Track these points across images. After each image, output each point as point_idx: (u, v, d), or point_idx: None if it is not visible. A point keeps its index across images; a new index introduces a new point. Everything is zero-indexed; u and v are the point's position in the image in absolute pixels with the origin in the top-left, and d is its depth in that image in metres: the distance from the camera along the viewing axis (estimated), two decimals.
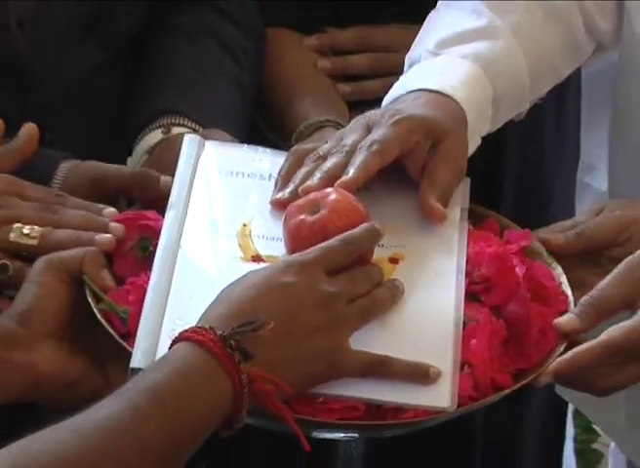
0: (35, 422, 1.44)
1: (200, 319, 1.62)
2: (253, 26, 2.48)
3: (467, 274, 1.86)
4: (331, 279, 1.68)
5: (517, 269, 1.87)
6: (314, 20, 2.68)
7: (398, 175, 1.98)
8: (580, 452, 3.30)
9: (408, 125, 1.94)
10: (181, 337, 1.56)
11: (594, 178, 2.79)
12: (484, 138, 2.19)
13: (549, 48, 2.21)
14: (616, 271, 1.80)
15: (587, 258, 1.98)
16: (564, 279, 1.89)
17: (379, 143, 1.90)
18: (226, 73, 2.43)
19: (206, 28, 2.47)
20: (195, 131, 2.22)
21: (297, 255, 1.72)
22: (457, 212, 1.99)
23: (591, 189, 2.50)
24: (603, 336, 1.71)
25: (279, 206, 1.90)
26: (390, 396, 1.65)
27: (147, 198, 2.02)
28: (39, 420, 1.46)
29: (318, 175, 1.89)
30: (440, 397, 1.63)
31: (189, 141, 2.05)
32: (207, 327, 1.57)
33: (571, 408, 3.08)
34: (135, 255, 1.87)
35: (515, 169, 2.62)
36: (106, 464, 1.46)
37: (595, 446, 3.37)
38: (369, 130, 1.98)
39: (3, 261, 1.86)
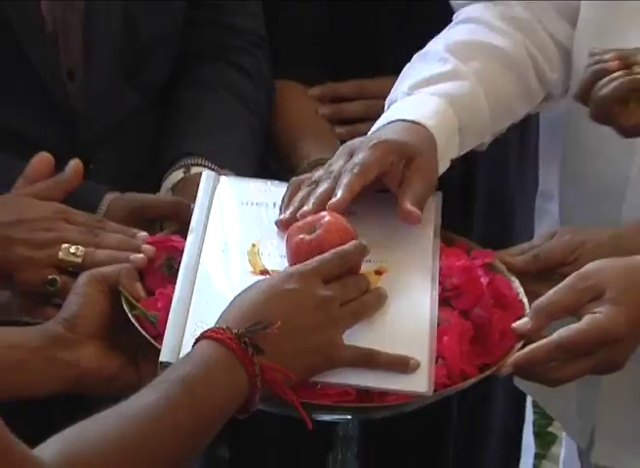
0: (81, 412, 1.46)
1: (218, 320, 1.66)
2: (264, 79, 2.48)
3: (440, 283, 1.89)
4: (326, 286, 1.72)
5: (482, 280, 1.92)
6: (317, 74, 2.64)
7: (380, 202, 2.02)
8: (537, 435, 3.29)
9: (384, 147, 1.97)
10: (204, 336, 1.60)
11: (551, 205, 2.75)
12: (458, 169, 2.26)
13: (505, 91, 2.21)
14: (562, 283, 1.84)
15: (542, 275, 1.99)
16: (521, 290, 1.93)
17: (359, 165, 1.92)
18: (240, 120, 2.43)
19: (223, 81, 2.45)
20: (213, 170, 2.21)
21: (297, 266, 1.75)
22: (430, 229, 2.02)
23: (549, 214, 2.52)
24: (554, 336, 1.75)
25: (282, 226, 1.93)
26: (377, 383, 1.69)
27: (180, 223, 2.03)
28: (85, 410, 1.48)
29: (312, 200, 1.91)
30: (419, 383, 1.67)
31: (207, 177, 2.08)
32: (224, 327, 1.61)
33: (530, 397, 3.09)
34: (162, 272, 1.91)
35: (484, 195, 2.64)
36: (146, 445, 1.50)
37: (551, 429, 3.38)
38: (352, 155, 2.00)
39: (53, 276, 1.89)
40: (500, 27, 2.25)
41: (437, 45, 2.27)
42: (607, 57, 1.94)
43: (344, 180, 1.91)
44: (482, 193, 2.65)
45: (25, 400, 1.59)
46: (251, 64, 2.49)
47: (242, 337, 1.60)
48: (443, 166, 2.09)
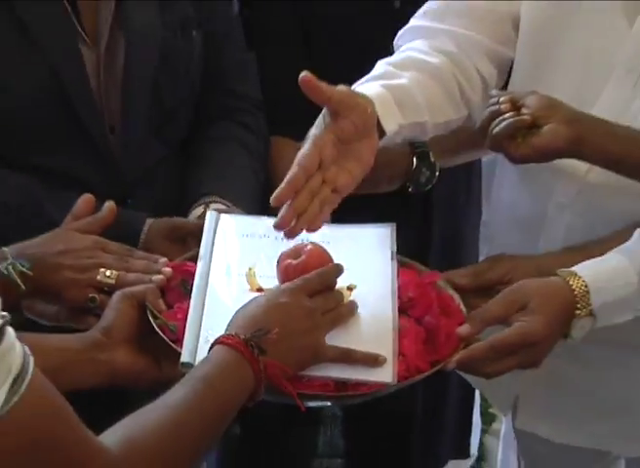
0: (121, 407, 1.52)
1: (227, 329, 1.73)
2: (262, 133, 2.50)
3: (398, 297, 1.93)
4: (311, 299, 1.79)
5: (431, 294, 1.97)
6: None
7: (350, 235, 2.05)
8: (482, 414, 3.37)
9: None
10: (218, 342, 1.67)
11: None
12: (417, 212, 2.41)
13: (434, 92, 2.13)
14: (496, 297, 1.91)
15: (481, 291, 2.01)
16: (461, 302, 1.96)
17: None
18: (246, 166, 2.45)
19: (232, 136, 2.47)
20: (227, 206, 2.25)
21: (287, 284, 1.82)
22: (388, 254, 2.03)
23: (489, 240, 2.56)
24: (489, 339, 1.83)
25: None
26: (353, 375, 1.74)
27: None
28: (124, 404, 1.54)
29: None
30: (386, 375, 1.72)
31: (210, 216, 2.09)
32: (233, 333, 1.68)
33: None
34: (179, 289, 1.95)
35: (440, 224, 2.64)
36: (182, 431, 1.56)
37: (491, 410, 3.41)
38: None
39: (92, 295, 1.93)
40: (433, 53, 2.18)
41: (379, 63, 2.18)
42: (502, 99, 1.97)
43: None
44: (439, 224, 2.66)
45: (71, 393, 1.50)
46: (253, 122, 2.50)
47: (248, 342, 1.66)
48: (389, 124, 1.99)
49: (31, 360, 1.36)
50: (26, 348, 1.37)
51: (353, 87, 2.05)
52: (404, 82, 2.07)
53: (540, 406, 2.43)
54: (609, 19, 2.14)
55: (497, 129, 1.93)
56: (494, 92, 2.05)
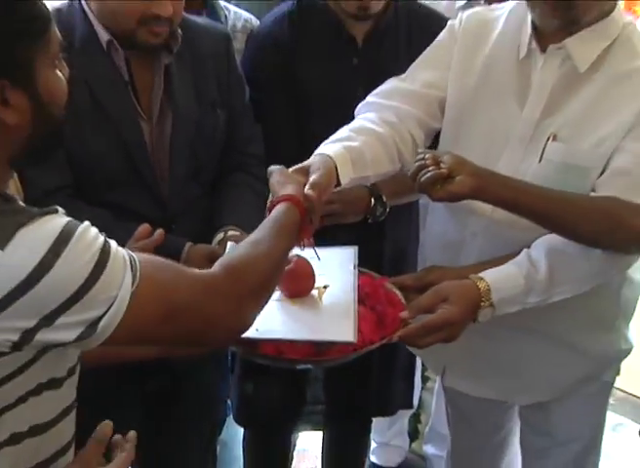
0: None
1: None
2: (264, 180, 2.21)
3: (358, 292, 1.97)
4: None
5: (380, 291, 2.04)
6: None
7: (327, 252, 2.03)
8: (422, 375, 3.38)
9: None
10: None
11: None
12: (375, 235, 2.38)
13: (378, 152, 2.10)
14: (426, 293, 1.98)
15: (420, 290, 2.03)
16: (402, 297, 2.01)
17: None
18: (253, 204, 2.37)
19: (245, 183, 2.45)
20: (240, 233, 2.22)
21: None
22: (352, 265, 2.06)
23: (424, 256, 2.53)
24: (421, 321, 1.92)
25: None
26: (326, 337, 1.80)
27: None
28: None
29: None
30: (350, 336, 1.77)
31: (229, 246, 2.05)
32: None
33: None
34: None
35: (390, 245, 2.61)
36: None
37: (427, 373, 3.41)
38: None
39: None
40: (380, 124, 2.16)
41: (343, 128, 2.17)
42: (426, 156, 1.95)
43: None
44: (388, 247, 2.63)
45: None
46: (258, 172, 2.40)
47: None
48: (344, 179, 2.02)
49: (132, 252, 1.48)
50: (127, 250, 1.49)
51: (324, 143, 2.08)
52: (358, 145, 2.06)
53: (461, 369, 2.43)
54: (505, 105, 2.15)
55: (423, 178, 1.93)
56: (420, 150, 2.03)
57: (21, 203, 1.49)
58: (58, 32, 1.48)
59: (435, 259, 2.33)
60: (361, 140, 2.09)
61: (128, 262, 1.44)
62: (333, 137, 2.10)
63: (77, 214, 2.10)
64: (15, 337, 1.36)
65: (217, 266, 1.56)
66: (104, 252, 1.41)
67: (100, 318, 1.39)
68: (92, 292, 1.37)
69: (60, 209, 1.46)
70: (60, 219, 1.41)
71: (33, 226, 1.37)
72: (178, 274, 1.53)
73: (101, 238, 1.44)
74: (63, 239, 1.37)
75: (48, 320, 1.36)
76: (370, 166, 2.09)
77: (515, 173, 2.06)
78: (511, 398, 2.46)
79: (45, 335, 1.37)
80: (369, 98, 2.27)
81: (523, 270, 2.01)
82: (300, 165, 1.95)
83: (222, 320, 1.55)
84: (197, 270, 1.54)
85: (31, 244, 1.35)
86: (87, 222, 1.46)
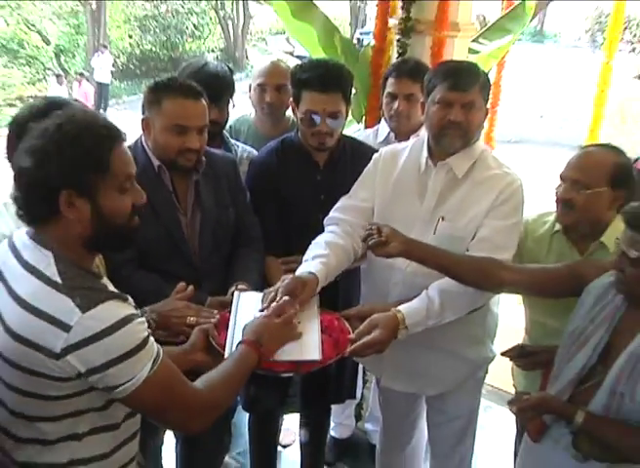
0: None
1: (244, 334, 1.74)
2: (262, 252, 2.44)
3: (321, 324, 1.94)
4: (278, 319, 1.80)
5: (335, 323, 2.00)
6: (278, 251, 2.50)
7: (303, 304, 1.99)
8: (363, 377, 3.25)
9: (296, 282, 1.99)
10: (240, 342, 1.71)
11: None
12: (332, 288, 2.22)
13: (341, 259, 2.17)
14: (364, 323, 1.97)
15: (361, 319, 1.99)
16: (348, 326, 1.97)
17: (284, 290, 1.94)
18: (255, 268, 2.36)
19: (249, 255, 2.39)
20: (246, 286, 2.17)
21: (266, 313, 1.83)
22: (315, 306, 2.02)
23: (364, 298, 2.49)
24: (362, 341, 1.91)
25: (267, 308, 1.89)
26: (300, 357, 1.78)
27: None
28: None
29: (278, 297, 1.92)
30: (316, 355, 1.77)
31: (236, 294, 2.05)
32: (247, 338, 1.71)
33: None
34: (225, 327, 1.89)
35: (342, 293, 2.51)
36: (230, 379, 1.61)
37: (366, 377, 3.30)
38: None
39: (184, 328, 1.90)
40: (342, 236, 2.21)
41: (319, 240, 2.22)
42: (373, 228, 2.00)
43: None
44: (341, 295, 2.51)
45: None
46: (257, 247, 2.43)
47: (254, 341, 1.70)
48: (322, 284, 2.06)
49: (162, 350, 1.43)
50: (159, 346, 1.47)
51: (308, 257, 2.13)
52: (329, 259, 2.11)
53: (391, 374, 2.40)
54: (412, 201, 2.20)
55: (370, 242, 1.98)
56: (369, 224, 2.06)
57: (105, 280, 1.50)
58: (125, 165, 1.45)
59: (370, 300, 2.35)
60: (331, 253, 2.13)
61: (153, 356, 1.44)
62: (314, 252, 2.14)
63: (140, 278, 2.15)
64: (73, 373, 1.37)
65: (203, 389, 1.53)
66: (145, 341, 1.42)
67: (119, 386, 1.40)
68: (126, 363, 1.38)
69: (129, 297, 1.45)
70: (127, 307, 1.42)
71: (110, 304, 1.39)
72: (181, 383, 1.50)
73: (146, 332, 1.43)
74: (126, 321, 1.38)
75: (95, 372, 1.37)
76: (335, 272, 2.15)
77: (420, 240, 2.09)
78: (422, 391, 2.46)
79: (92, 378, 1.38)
80: (331, 214, 2.29)
81: (424, 304, 2.05)
82: (296, 275, 2.04)
83: (195, 422, 1.55)
84: (191, 386, 1.51)
85: (105, 316, 1.36)
86: (142, 318, 1.45)
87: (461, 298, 2.07)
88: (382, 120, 2.94)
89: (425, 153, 2.19)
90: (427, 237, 2.13)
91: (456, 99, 2.06)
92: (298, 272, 2.07)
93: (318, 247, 2.17)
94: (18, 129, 1.69)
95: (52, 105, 1.72)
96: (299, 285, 1.98)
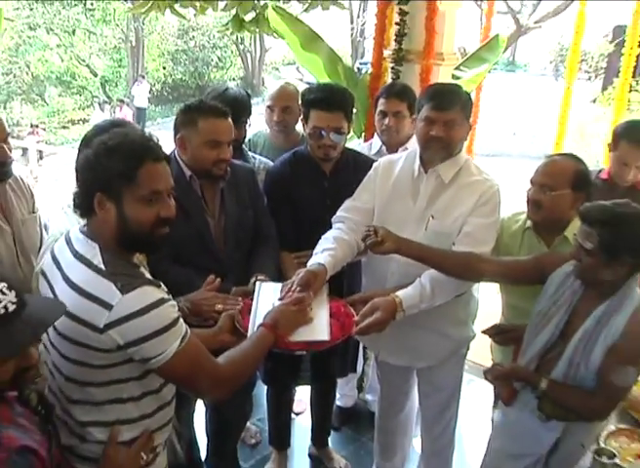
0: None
1: (264, 319, 1.73)
2: (277, 249, 2.43)
3: (329, 310, 1.91)
4: (294, 306, 1.79)
5: (341, 309, 1.97)
6: (292, 250, 2.45)
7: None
8: (364, 353, 3.23)
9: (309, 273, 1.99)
10: (260, 326, 1.70)
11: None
12: (339, 278, 2.21)
13: (346, 253, 2.16)
14: (366, 306, 1.96)
15: (363, 304, 1.98)
16: (354, 311, 1.96)
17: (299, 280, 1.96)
18: (271, 263, 2.34)
19: (266, 251, 2.36)
20: (264, 277, 2.16)
21: (284, 302, 1.82)
22: (325, 294, 2.00)
23: (365, 286, 2.45)
24: (365, 322, 1.91)
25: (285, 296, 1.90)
26: (311, 337, 1.76)
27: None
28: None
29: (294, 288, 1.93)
30: (325, 336, 1.77)
31: (258, 284, 2.03)
32: (266, 322, 1.70)
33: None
34: (247, 312, 1.87)
35: (347, 282, 2.47)
36: (248, 357, 1.60)
37: (367, 356, 3.26)
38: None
39: (213, 314, 1.88)
40: (347, 232, 2.20)
41: (327, 235, 2.20)
42: (370, 229, 2.00)
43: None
44: (346, 283, 2.47)
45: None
46: (273, 245, 2.41)
47: (273, 326, 1.69)
48: (330, 273, 2.05)
49: (189, 330, 1.43)
50: (187, 327, 1.47)
51: (318, 250, 2.12)
52: (336, 252, 2.11)
53: (387, 350, 2.39)
54: (406, 203, 2.19)
55: (367, 242, 1.99)
56: (367, 226, 2.06)
57: (143, 269, 1.51)
58: (153, 180, 1.44)
59: (371, 287, 2.32)
60: (338, 247, 2.14)
61: (182, 334, 1.44)
62: (323, 246, 2.14)
63: (175, 272, 2.12)
64: (114, 345, 1.38)
65: (224, 363, 1.52)
66: (175, 321, 1.43)
67: (152, 358, 1.41)
68: (159, 338, 1.40)
69: (162, 284, 1.47)
70: (160, 292, 1.43)
71: (146, 289, 1.40)
72: (205, 358, 1.49)
73: (177, 314, 1.45)
74: (159, 303, 1.40)
75: (132, 345, 1.39)
76: (342, 263, 2.15)
77: (413, 237, 2.09)
78: (413, 364, 2.43)
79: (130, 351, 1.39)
80: (338, 213, 2.28)
81: (417, 290, 2.05)
82: (308, 268, 2.03)
83: (217, 391, 1.56)
84: (215, 361, 1.50)
85: (142, 298, 1.38)
86: (173, 302, 1.45)
87: (449, 285, 2.06)
88: (375, 135, 2.97)
89: (418, 162, 2.19)
90: (419, 233, 2.13)
91: (438, 118, 2.07)
92: (309, 264, 2.07)
93: (327, 241, 2.17)
94: (85, 144, 1.72)
95: (113, 125, 1.79)
96: (311, 277, 1.97)
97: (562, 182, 2.04)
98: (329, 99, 2.36)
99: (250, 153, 2.80)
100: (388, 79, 3.31)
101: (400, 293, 2.02)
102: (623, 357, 1.73)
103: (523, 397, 1.98)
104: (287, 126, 2.94)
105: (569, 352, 1.82)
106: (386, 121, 2.78)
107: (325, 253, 2.09)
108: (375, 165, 2.34)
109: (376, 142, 2.98)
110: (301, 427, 3.30)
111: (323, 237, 2.21)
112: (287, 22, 3.62)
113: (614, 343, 1.75)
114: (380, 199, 2.26)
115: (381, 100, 2.80)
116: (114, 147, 1.41)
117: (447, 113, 2.06)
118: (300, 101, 2.55)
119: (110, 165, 1.39)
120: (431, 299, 2.05)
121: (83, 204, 1.45)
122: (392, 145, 2.83)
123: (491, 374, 1.99)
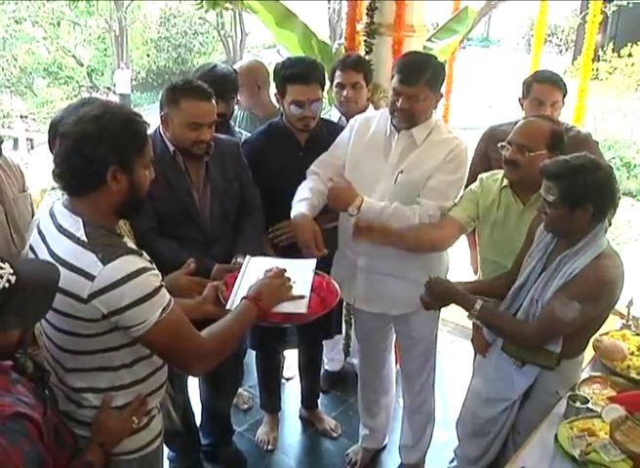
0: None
1: (248, 292, 1.66)
2: (263, 220, 2.42)
3: (312, 284, 1.81)
4: (277, 279, 1.70)
5: (324, 284, 1.88)
6: (272, 217, 2.45)
7: (298, 262, 1.92)
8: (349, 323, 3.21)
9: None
10: (243, 298, 1.64)
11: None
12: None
13: (320, 201, 2.22)
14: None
15: None
16: (338, 288, 1.87)
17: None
18: (255, 235, 2.35)
19: (251, 223, 2.36)
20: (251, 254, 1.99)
21: (268, 275, 1.72)
22: (311, 269, 1.85)
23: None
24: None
25: None
26: (292, 310, 1.70)
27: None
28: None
29: None
30: (304, 309, 1.70)
31: (247, 258, 1.93)
32: (249, 294, 1.63)
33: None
34: (233, 284, 1.80)
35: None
36: (230, 330, 1.55)
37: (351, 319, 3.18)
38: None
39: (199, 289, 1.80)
40: (319, 182, 2.27)
41: (303, 185, 2.25)
42: (360, 225, 2.09)
43: None
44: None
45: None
46: (258, 215, 2.40)
47: (255, 298, 1.62)
48: (311, 217, 2.12)
49: (172, 300, 1.40)
50: (171, 297, 1.44)
51: (296, 201, 2.17)
52: (313, 201, 2.18)
53: (362, 297, 2.38)
54: (378, 159, 2.22)
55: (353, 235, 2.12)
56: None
57: (126, 239, 1.48)
58: (151, 148, 1.49)
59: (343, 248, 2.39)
60: (313, 196, 2.20)
61: (164, 304, 1.42)
62: (300, 196, 2.19)
63: (161, 244, 2.10)
64: (99, 315, 1.38)
65: (206, 337, 1.48)
66: (157, 289, 1.40)
67: (134, 326, 1.40)
68: (140, 307, 1.37)
69: (144, 253, 1.45)
70: (142, 261, 1.41)
71: (127, 258, 1.38)
72: (188, 330, 1.46)
73: (159, 283, 1.40)
74: (140, 272, 1.38)
75: (115, 314, 1.37)
76: (318, 209, 2.21)
77: (383, 191, 2.15)
78: (388, 311, 2.39)
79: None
80: (312, 167, 2.33)
81: (382, 205, 2.13)
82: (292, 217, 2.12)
83: (198, 365, 1.51)
84: (196, 334, 1.46)
85: (123, 267, 1.36)
86: (156, 271, 1.42)
87: (406, 220, 2.12)
88: (333, 106, 2.93)
89: (389, 122, 2.22)
90: (389, 186, 2.18)
91: (403, 91, 2.10)
92: (292, 213, 2.14)
93: (303, 191, 2.23)
94: (59, 125, 1.68)
95: (86, 102, 1.74)
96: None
97: (539, 143, 2.04)
98: (305, 73, 2.34)
99: (236, 128, 2.78)
100: (362, 52, 3.26)
101: (367, 198, 2.10)
102: (570, 294, 1.77)
103: (498, 348, 2.05)
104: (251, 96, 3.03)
105: (532, 291, 1.89)
106: (345, 92, 2.73)
107: (303, 202, 2.16)
108: (351, 122, 2.35)
109: (334, 113, 2.93)
110: (291, 391, 3.31)
111: (299, 187, 2.25)
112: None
113: (565, 282, 1.80)
114: (353, 155, 2.27)
115: (338, 73, 2.75)
116: (126, 120, 1.40)
117: (411, 87, 2.08)
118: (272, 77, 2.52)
119: (126, 138, 1.39)
120: (387, 218, 2.10)
121: (86, 181, 1.40)
122: (352, 115, 2.68)
123: (429, 286, 2.03)
